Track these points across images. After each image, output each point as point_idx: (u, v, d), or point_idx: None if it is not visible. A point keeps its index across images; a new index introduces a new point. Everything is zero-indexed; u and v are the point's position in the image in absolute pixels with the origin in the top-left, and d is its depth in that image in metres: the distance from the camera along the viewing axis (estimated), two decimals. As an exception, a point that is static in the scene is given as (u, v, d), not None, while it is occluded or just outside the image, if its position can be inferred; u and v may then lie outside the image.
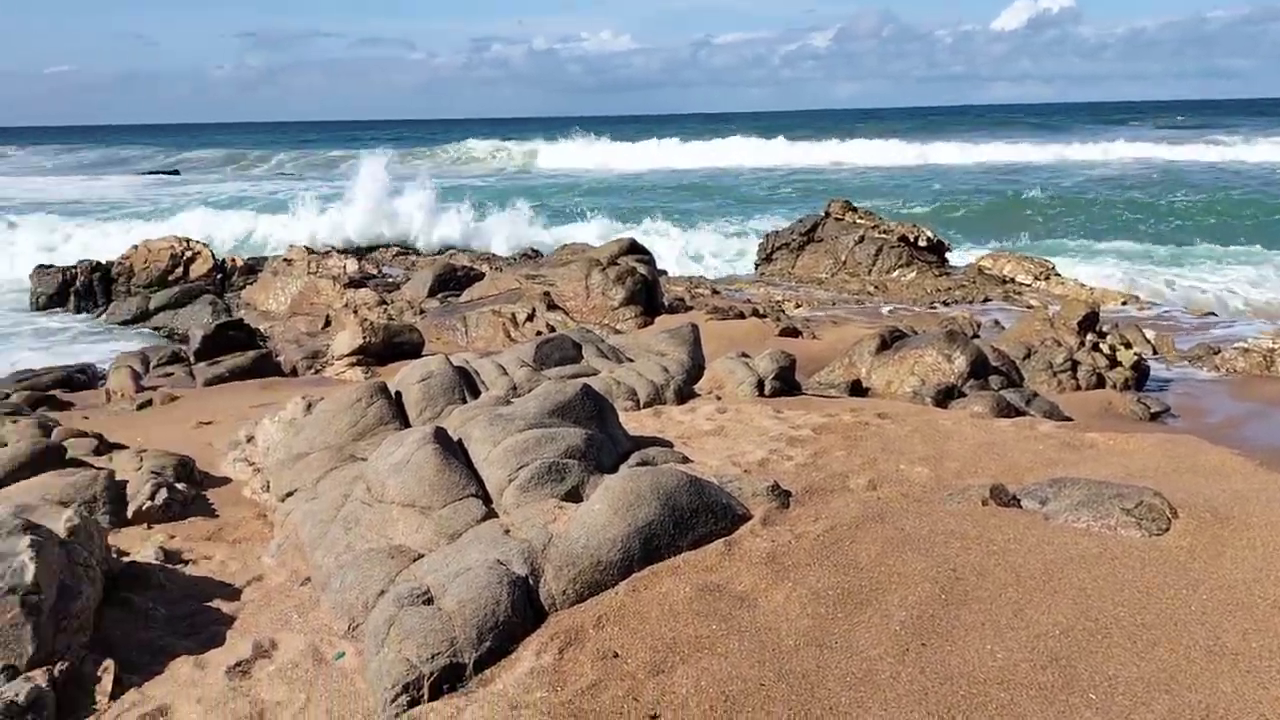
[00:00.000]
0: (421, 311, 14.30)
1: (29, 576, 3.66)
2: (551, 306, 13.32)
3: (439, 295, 15.17)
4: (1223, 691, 3.06)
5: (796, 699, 3.12)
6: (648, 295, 13.74)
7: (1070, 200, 32.25)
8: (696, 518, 4.19)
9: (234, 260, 19.26)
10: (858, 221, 20.72)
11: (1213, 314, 15.42)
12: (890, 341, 9.71)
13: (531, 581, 3.81)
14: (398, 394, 6.34)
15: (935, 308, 16.22)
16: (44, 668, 3.51)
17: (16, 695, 3.34)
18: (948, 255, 20.39)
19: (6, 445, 6.38)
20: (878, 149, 55.81)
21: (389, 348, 11.09)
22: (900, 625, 3.48)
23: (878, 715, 3.03)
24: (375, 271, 17.90)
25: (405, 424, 6.10)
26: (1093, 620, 3.45)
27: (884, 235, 20.13)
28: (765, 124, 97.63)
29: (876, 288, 18.37)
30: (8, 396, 10.50)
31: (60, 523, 4.23)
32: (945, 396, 8.47)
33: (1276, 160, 44.13)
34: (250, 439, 6.86)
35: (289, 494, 5.47)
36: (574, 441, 4.81)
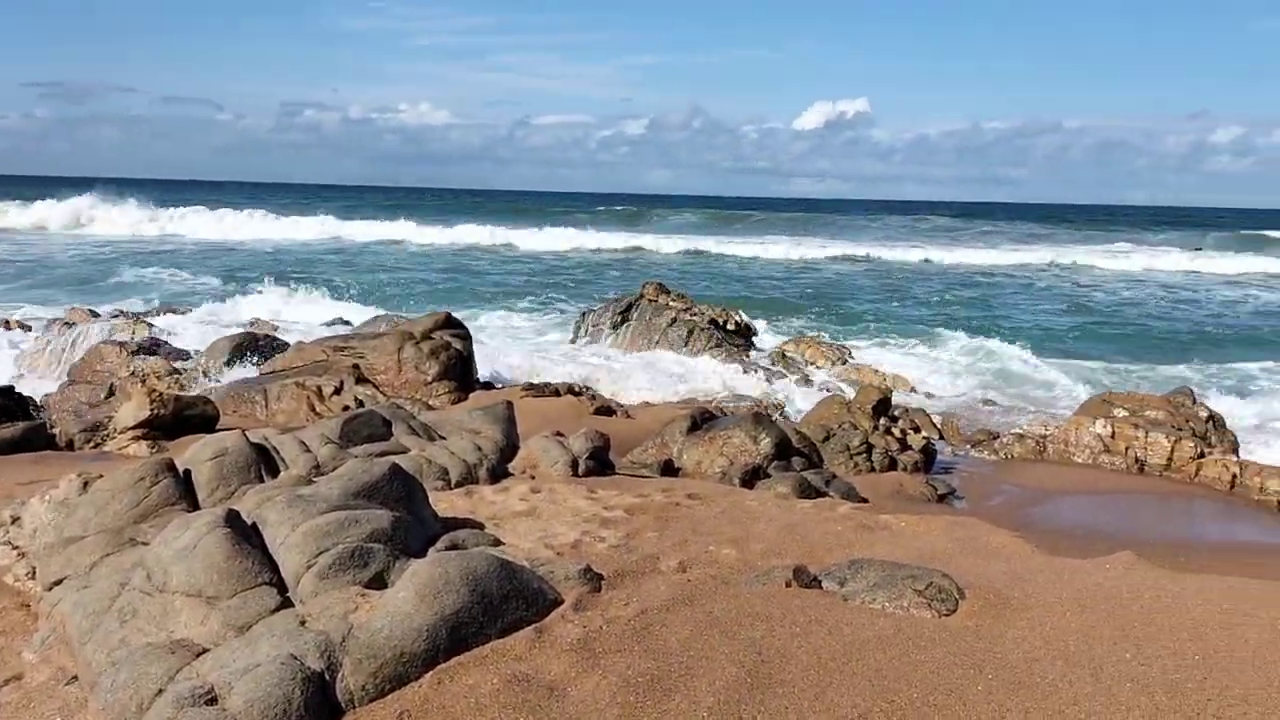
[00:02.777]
0: (217, 382, 13.56)
1: None
2: (361, 380, 12.92)
3: (238, 365, 14.41)
4: (1007, 768, 3.21)
5: (605, 793, 3.06)
6: (463, 370, 13.56)
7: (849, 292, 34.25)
8: (507, 604, 4.09)
9: None
10: (670, 304, 21.26)
11: (992, 401, 16.61)
12: (700, 422, 9.93)
13: (328, 677, 3.60)
14: (186, 472, 5.95)
15: (742, 389, 16.72)
16: None
17: None
18: (754, 339, 21.16)
19: None
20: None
21: (179, 421, 10.41)
22: (708, 711, 3.49)
23: (685, 807, 3.00)
24: (166, 338, 16.88)
25: (194, 505, 5.72)
26: (889, 702, 3.57)
27: (694, 318, 20.72)
28: (581, 204, 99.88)
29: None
30: None
31: None
32: (752, 476, 8.71)
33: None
34: (15, 520, 6.24)
35: (57, 582, 4.99)
36: (380, 524, 4.63)
